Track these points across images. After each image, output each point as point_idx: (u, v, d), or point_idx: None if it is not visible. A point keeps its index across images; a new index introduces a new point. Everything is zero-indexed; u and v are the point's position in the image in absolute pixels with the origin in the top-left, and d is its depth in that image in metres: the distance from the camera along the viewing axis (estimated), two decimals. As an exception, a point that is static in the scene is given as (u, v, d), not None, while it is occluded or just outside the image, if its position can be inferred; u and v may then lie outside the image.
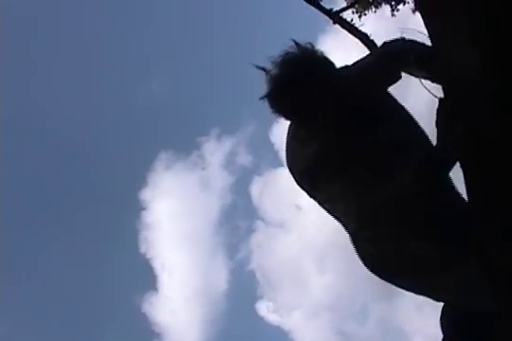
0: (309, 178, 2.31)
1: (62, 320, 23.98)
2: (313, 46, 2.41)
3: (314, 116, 2.27)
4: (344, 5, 13.99)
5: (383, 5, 14.88)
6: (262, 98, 2.43)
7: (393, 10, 15.01)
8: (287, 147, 2.38)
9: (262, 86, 2.44)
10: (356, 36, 11.03)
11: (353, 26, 11.05)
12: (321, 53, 2.40)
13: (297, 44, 2.40)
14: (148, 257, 25.97)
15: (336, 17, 10.98)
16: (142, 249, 26.07)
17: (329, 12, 11.02)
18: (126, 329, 25.69)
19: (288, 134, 2.39)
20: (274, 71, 2.39)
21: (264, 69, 2.41)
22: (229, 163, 31.60)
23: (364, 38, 10.81)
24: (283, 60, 2.38)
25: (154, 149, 27.84)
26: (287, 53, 2.39)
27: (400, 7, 14.92)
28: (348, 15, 12.66)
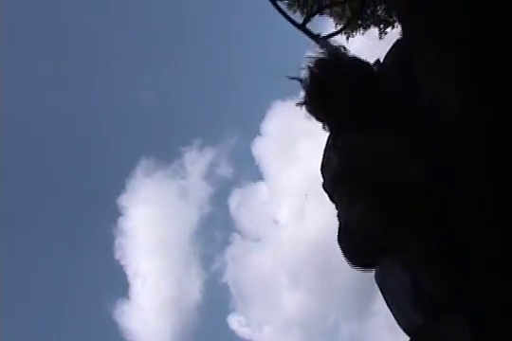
0: (329, 189, 2.27)
1: (31, 325, 23.82)
2: (344, 49, 2.38)
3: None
4: (333, 27, 14.15)
5: (372, 27, 14.94)
6: (299, 105, 2.36)
7: (381, 33, 15.06)
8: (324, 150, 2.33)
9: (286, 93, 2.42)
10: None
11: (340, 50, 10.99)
12: (353, 55, 2.36)
13: (327, 48, 2.39)
14: (122, 263, 25.86)
15: (323, 42, 10.89)
16: (117, 256, 25.94)
17: (316, 37, 10.96)
18: (96, 335, 25.52)
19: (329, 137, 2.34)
20: (312, 76, 2.33)
21: (299, 79, 2.34)
22: (210, 174, 31.60)
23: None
24: (319, 62, 2.32)
25: (135, 155, 27.77)
26: (321, 57, 2.33)
27: (388, 30, 14.99)
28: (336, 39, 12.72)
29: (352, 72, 2.30)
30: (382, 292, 2.19)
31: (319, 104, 2.34)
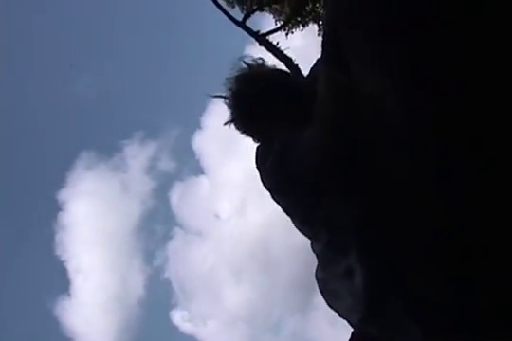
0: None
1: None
2: (264, 61, 2.39)
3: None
4: (272, 24, 14.22)
5: (311, 24, 15.07)
6: (226, 124, 2.40)
7: (320, 30, 15.19)
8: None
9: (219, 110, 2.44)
10: (280, 59, 11.12)
11: (278, 49, 11.11)
12: (274, 66, 2.39)
13: (246, 62, 2.37)
14: (63, 259, 25.45)
15: (262, 40, 10.99)
16: (57, 251, 25.51)
17: (256, 35, 11.03)
18: (37, 333, 25.10)
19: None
20: (230, 94, 2.35)
21: (222, 96, 2.37)
22: (151, 168, 31.31)
23: (288, 61, 10.90)
24: (238, 79, 2.34)
25: (75, 148, 27.33)
26: (241, 72, 2.35)
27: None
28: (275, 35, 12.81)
29: (269, 83, 2.32)
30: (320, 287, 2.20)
31: (242, 122, 2.38)
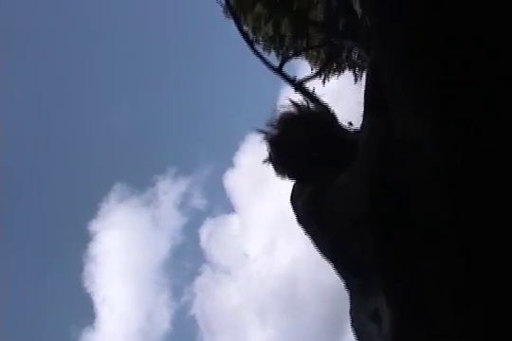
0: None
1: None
2: (309, 104, 2.40)
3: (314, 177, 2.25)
4: (308, 70, 14.27)
5: (347, 71, 15.10)
6: (265, 162, 2.39)
7: (356, 77, 15.22)
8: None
9: (260, 147, 2.41)
10: (315, 106, 11.04)
11: (314, 96, 11.04)
12: (321, 111, 2.40)
13: (294, 102, 2.38)
14: (90, 290, 25.44)
15: (298, 86, 10.96)
16: (85, 282, 25.52)
17: (292, 81, 11.01)
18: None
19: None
20: (274, 133, 2.36)
21: (264, 132, 2.36)
22: (182, 204, 31.56)
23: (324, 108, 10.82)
24: (281, 120, 2.36)
25: (110, 180, 27.66)
26: (286, 113, 2.36)
27: (363, 74, 15.15)
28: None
29: (312, 127, 2.32)
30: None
31: (277, 167, 2.38)
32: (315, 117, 2.36)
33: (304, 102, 2.41)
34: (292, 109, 2.37)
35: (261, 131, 2.37)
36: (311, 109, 2.40)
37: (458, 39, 1.73)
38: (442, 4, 1.77)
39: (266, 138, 2.36)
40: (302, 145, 2.30)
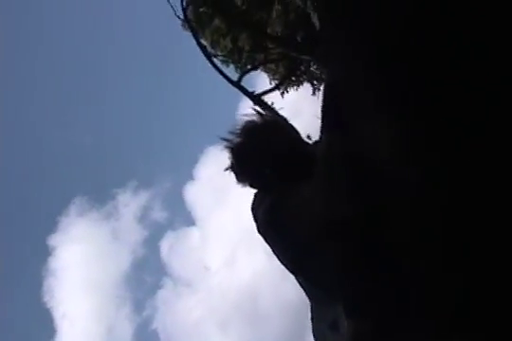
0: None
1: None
2: (276, 112, 2.37)
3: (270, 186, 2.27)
4: (267, 83, 14.34)
5: (305, 83, 15.22)
6: (227, 170, 2.40)
7: (314, 90, 15.35)
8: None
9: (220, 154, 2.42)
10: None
11: (273, 109, 11.10)
12: (283, 120, 2.41)
13: (257, 112, 2.38)
14: (50, 305, 25.02)
15: (257, 100, 11.01)
16: (45, 297, 25.07)
17: (251, 95, 11.05)
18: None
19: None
20: (236, 141, 2.36)
21: (226, 140, 2.36)
22: (143, 217, 31.33)
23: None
24: (244, 129, 2.36)
25: (69, 193, 27.26)
26: (249, 122, 2.37)
27: (321, 87, 15.28)
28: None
29: (273, 138, 2.33)
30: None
31: (239, 176, 2.38)
32: (277, 127, 2.37)
33: (267, 113, 2.44)
34: (255, 118, 2.38)
35: (223, 138, 2.37)
36: (274, 119, 2.42)
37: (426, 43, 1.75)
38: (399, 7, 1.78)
39: (229, 146, 2.37)
40: (265, 154, 2.32)
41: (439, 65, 1.71)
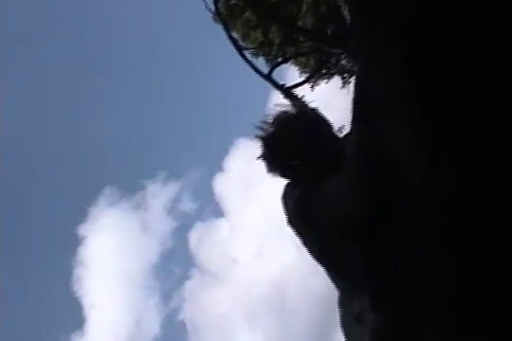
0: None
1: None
2: (306, 105, 2.41)
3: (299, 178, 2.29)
4: (297, 76, 14.34)
5: (335, 76, 15.18)
6: (258, 159, 2.40)
7: (344, 83, 15.31)
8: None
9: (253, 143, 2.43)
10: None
11: (303, 102, 11.11)
12: (315, 112, 2.38)
13: (290, 103, 2.41)
14: (79, 294, 25.27)
15: (287, 92, 11.04)
16: (74, 286, 25.35)
17: (281, 88, 11.08)
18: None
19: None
20: (269, 131, 2.36)
21: (259, 129, 2.36)
22: (172, 208, 31.45)
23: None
24: (277, 119, 2.35)
25: (100, 183, 27.50)
26: (282, 112, 2.35)
27: (352, 79, 15.23)
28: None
29: (307, 129, 2.34)
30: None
31: (270, 166, 2.39)
32: (310, 119, 2.39)
33: (300, 104, 2.46)
34: (288, 109, 2.39)
35: (256, 127, 2.39)
36: (306, 110, 2.43)
37: (450, 44, 1.76)
38: (431, 7, 1.79)
39: (261, 135, 2.38)
40: (297, 144, 2.33)
41: (465, 67, 1.74)
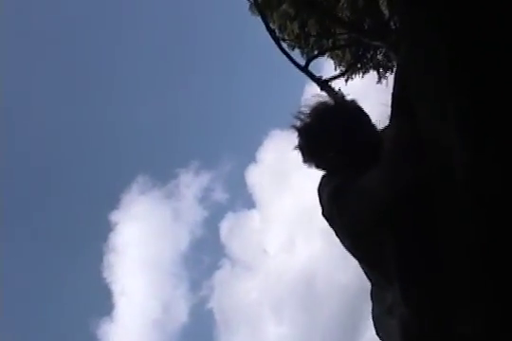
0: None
1: None
2: (344, 97, 2.38)
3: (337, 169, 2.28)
4: (332, 69, 14.27)
5: (371, 71, 15.07)
6: (295, 149, 2.39)
7: (380, 77, 15.19)
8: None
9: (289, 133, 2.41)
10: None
11: (341, 94, 11.03)
12: (354, 104, 2.36)
13: (329, 95, 2.39)
14: (109, 280, 25.58)
15: (324, 85, 10.97)
16: (104, 272, 25.64)
17: (318, 80, 11.02)
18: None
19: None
20: (306, 121, 2.35)
21: (297, 119, 2.36)
22: (204, 197, 31.66)
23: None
24: (315, 110, 2.34)
25: (133, 171, 27.76)
26: (321, 103, 2.34)
27: (387, 74, 15.12)
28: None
29: (345, 121, 2.31)
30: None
31: (307, 156, 2.37)
32: (350, 110, 2.35)
33: (337, 96, 2.41)
34: (327, 100, 2.36)
35: (294, 117, 2.36)
36: (345, 102, 2.38)
37: (495, 40, 1.69)
38: (477, 4, 1.76)
39: (298, 126, 2.36)
40: (334, 136, 2.30)
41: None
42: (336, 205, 2.17)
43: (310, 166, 2.39)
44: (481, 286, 1.76)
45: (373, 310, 2.24)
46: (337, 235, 2.27)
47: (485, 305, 1.77)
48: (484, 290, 1.75)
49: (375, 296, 2.23)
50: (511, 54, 1.69)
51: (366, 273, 2.25)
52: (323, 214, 2.27)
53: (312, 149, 2.36)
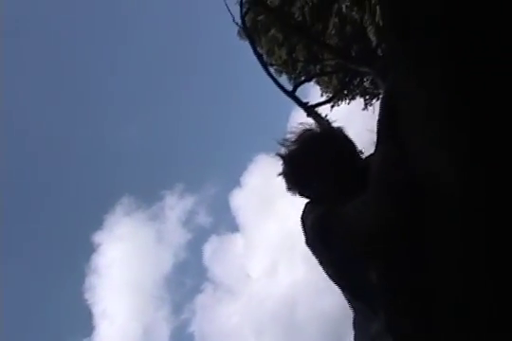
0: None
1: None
2: (331, 124, 2.37)
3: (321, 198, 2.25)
4: (319, 95, 14.35)
5: (357, 98, 15.17)
6: (279, 176, 2.37)
7: (366, 104, 15.28)
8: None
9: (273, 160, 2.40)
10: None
11: (326, 121, 11.08)
12: (340, 131, 2.34)
13: (315, 121, 2.30)
14: (90, 302, 25.31)
15: (310, 111, 11.01)
16: (86, 293, 25.39)
17: (305, 106, 11.05)
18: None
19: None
20: (291, 148, 2.33)
21: (282, 145, 2.33)
22: (188, 220, 31.65)
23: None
24: (301, 137, 2.32)
25: (117, 192, 27.66)
26: (306, 130, 2.32)
27: (374, 101, 15.24)
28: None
29: (331, 148, 2.28)
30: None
31: (290, 183, 2.35)
32: (334, 138, 2.32)
33: (323, 123, 2.41)
34: (313, 127, 2.34)
35: (279, 143, 2.34)
36: (331, 129, 2.36)
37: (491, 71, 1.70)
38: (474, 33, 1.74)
39: (283, 153, 2.33)
40: (320, 165, 2.27)
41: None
42: (319, 233, 2.14)
43: (294, 193, 2.37)
44: (473, 318, 1.73)
45: (355, 338, 2.21)
46: (320, 263, 2.24)
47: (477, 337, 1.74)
48: (477, 321, 1.72)
49: (359, 324, 2.19)
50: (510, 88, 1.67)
51: (349, 301, 2.22)
52: (307, 243, 2.24)
53: (296, 177, 2.34)
